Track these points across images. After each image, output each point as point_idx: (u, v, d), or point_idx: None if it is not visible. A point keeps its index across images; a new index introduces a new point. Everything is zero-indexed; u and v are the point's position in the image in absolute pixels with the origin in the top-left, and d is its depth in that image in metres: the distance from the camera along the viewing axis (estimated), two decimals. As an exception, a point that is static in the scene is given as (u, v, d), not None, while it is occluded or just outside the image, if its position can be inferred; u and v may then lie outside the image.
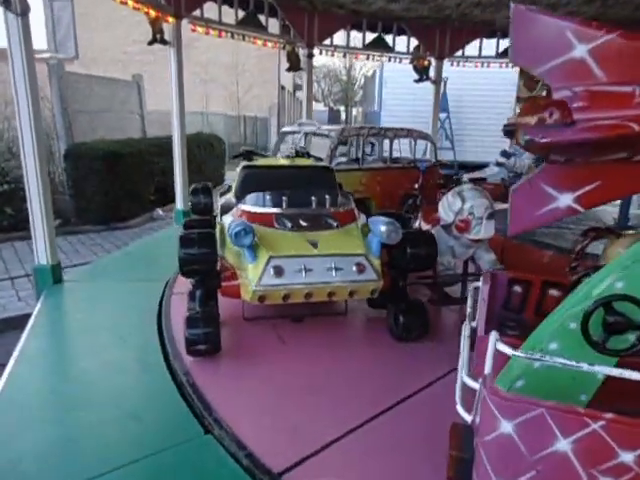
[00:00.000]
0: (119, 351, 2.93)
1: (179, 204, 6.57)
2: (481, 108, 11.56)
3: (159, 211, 9.07)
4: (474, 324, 2.21)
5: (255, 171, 3.54)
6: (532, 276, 2.30)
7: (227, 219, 3.12)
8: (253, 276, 2.58)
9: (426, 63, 8.91)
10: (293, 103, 34.68)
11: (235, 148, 16.83)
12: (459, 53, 9.00)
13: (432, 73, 9.09)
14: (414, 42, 8.82)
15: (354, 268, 2.68)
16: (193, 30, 6.24)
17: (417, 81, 9.11)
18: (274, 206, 3.01)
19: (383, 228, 2.67)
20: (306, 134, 6.01)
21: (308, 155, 4.29)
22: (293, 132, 6.23)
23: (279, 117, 27.15)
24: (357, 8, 7.96)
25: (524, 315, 2.29)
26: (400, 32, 8.61)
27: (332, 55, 8.40)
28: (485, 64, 9.06)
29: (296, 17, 7.61)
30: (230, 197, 3.58)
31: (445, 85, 10.96)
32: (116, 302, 3.78)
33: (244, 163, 3.60)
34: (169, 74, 6.12)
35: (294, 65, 7.98)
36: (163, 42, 5.97)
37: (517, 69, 10.94)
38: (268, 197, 3.04)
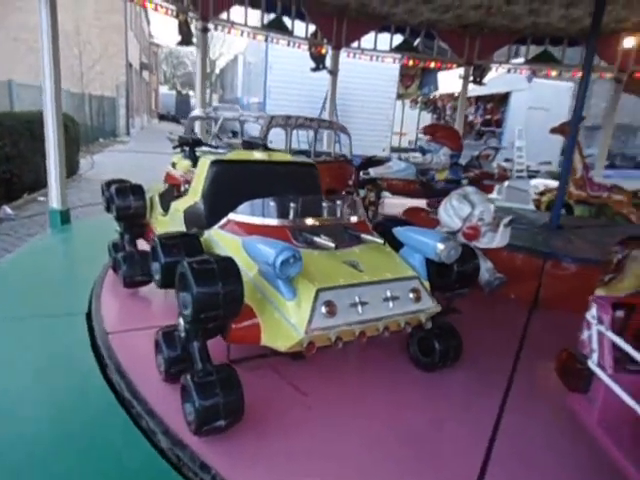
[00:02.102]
0: (82, 452, 1.93)
1: (55, 202, 5.12)
2: (363, 102, 11.66)
3: (7, 209, 7.14)
4: (594, 359, 1.88)
5: (229, 168, 2.74)
6: (637, 300, 2.05)
7: (221, 236, 2.30)
8: (299, 319, 1.87)
9: (323, 51, 8.55)
10: (141, 83, 31.59)
11: (81, 130, 14.43)
12: (355, 44, 8.82)
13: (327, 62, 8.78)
14: (312, 29, 8.38)
15: (410, 295, 2.15)
16: (71, -21, 4.83)
17: (314, 70, 8.72)
18: (280, 216, 2.30)
19: (441, 245, 2.18)
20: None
21: (265, 147, 3.56)
22: (207, 117, 5.30)
23: (128, 97, 24.46)
24: (258, -18, 7.22)
25: (622, 341, 2.04)
26: (298, 16, 8.08)
27: (229, 32, 7.48)
28: (380, 58, 9.04)
29: (190, -18, 6.56)
30: (194, 202, 2.72)
31: (332, 76, 10.76)
32: (20, 355, 2.61)
33: (213, 157, 2.75)
34: (38, 34, 4.66)
35: (185, 39, 6.91)
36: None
37: (398, 65, 11.27)
38: (272, 204, 2.31)
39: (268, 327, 2.00)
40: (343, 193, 5.41)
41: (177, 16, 6.55)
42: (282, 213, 2.29)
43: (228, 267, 1.83)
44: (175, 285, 1.95)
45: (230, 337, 2.07)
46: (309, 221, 2.31)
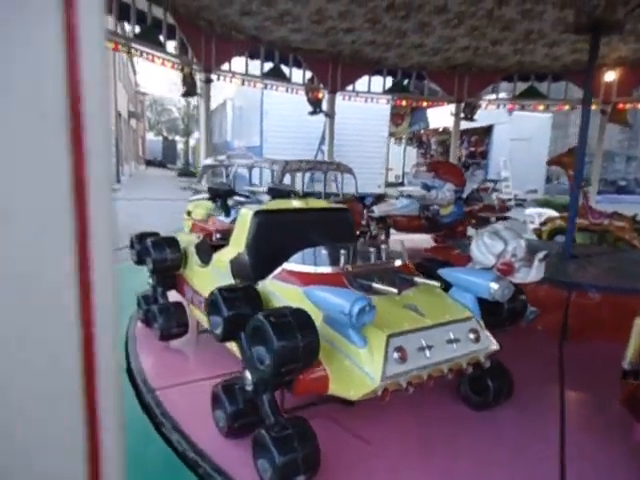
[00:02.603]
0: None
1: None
2: (358, 142, 11.97)
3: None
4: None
5: (271, 218, 2.79)
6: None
7: (277, 286, 2.32)
8: (372, 366, 1.89)
9: (320, 95, 8.84)
10: (129, 131, 32.01)
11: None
12: (350, 88, 9.14)
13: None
14: (308, 75, 8.70)
15: (471, 336, 2.19)
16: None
17: (311, 113, 8.99)
18: (334, 263, 2.34)
19: (495, 285, 2.23)
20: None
21: (294, 193, 3.65)
22: (221, 165, 5.40)
23: (117, 146, 24.70)
24: (257, 35, 7.51)
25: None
26: (295, 64, 8.39)
27: (230, 81, 7.73)
28: (374, 99, 9.37)
29: (194, 38, 6.80)
30: (238, 253, 2.74)
31: (327, 118, 11.07)
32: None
33: (255, 208, 2.80)
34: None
35: (190, 90, 7.10)
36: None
37: (389, 105, 11.64)
38: (325, 252, 2.36)
39: (337, 376, 2.01)
40: (357, 233, 5.50)
41: (182, 69, 6.77)
42: (336, 260, 2.33)
43: (303, 318, 1.86)
44: (244, 339, 1.96)
45: (298, 388, 2.06)
46: (362, 267, 2.36)
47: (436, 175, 6.54)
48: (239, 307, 2.14)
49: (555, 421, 2.57)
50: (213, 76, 7.29)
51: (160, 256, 3.16)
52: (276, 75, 8.17)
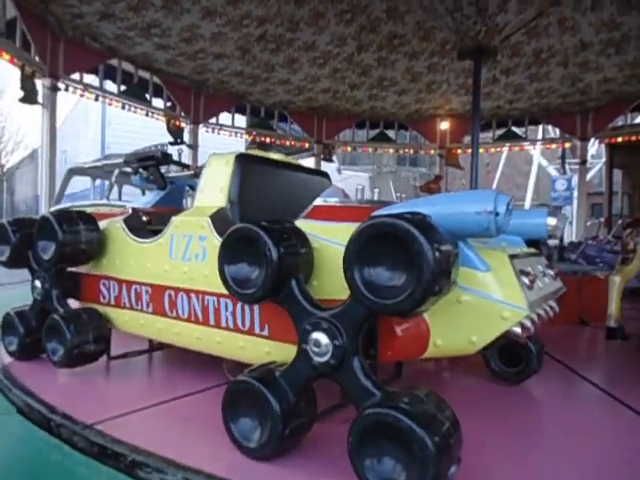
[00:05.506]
0: None
1: None
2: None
3: None
4: None
5: (258, 164, 2.15)
6: None
7: (320, 227, 1.65)
8: (507, 292, 1.40)
9: (183, 125, 8.16)
10: None
11: None
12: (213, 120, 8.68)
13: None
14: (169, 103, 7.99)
15: (550, 272, 1.85)
16: None
17: (172, 144, 8.18)
18: (366, 199, 1.83)
19: (552, 220, 1.96)
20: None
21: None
22: (93, 167, 4.24)
23: None
24: (116, 47, 6.61)
25: None
26: (156, 92, 7.64)
27: (82, 95, 6.52)
28: (239, 134, 9.03)
29: (39, 34, 5.62)
30: (217, 208, 1.99)
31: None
32: None
33: (236, 152, 2.11)
34: None
35: (29, 96, 5.74)
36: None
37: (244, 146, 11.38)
38: (358, 189, 1.83)
39: (444, 324, 1.45)
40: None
41: (22, 68, 5.44)
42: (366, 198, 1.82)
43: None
44: (355, 272, 1.27)
45: (386, 352, 1.43)
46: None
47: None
48: (293, 247, 1.46)
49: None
50: (61, 85, 6.07)
51: (72, 236, 2.14)
52: (135, 96, 7.25)
